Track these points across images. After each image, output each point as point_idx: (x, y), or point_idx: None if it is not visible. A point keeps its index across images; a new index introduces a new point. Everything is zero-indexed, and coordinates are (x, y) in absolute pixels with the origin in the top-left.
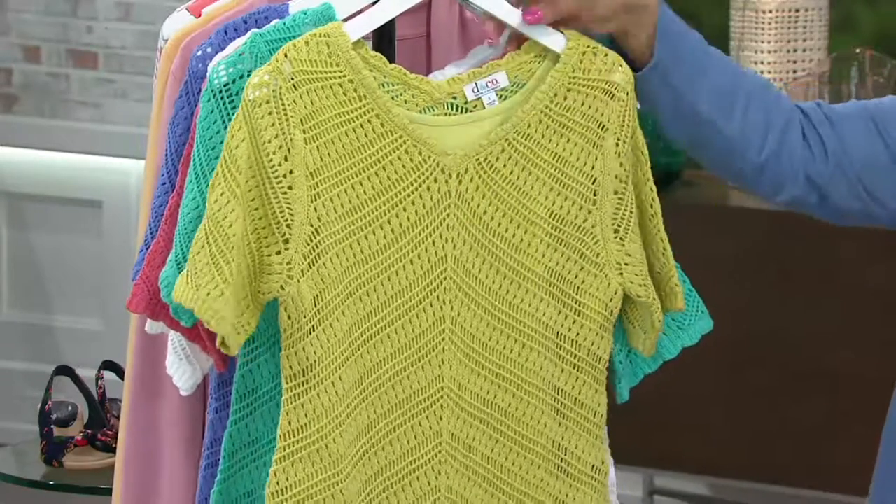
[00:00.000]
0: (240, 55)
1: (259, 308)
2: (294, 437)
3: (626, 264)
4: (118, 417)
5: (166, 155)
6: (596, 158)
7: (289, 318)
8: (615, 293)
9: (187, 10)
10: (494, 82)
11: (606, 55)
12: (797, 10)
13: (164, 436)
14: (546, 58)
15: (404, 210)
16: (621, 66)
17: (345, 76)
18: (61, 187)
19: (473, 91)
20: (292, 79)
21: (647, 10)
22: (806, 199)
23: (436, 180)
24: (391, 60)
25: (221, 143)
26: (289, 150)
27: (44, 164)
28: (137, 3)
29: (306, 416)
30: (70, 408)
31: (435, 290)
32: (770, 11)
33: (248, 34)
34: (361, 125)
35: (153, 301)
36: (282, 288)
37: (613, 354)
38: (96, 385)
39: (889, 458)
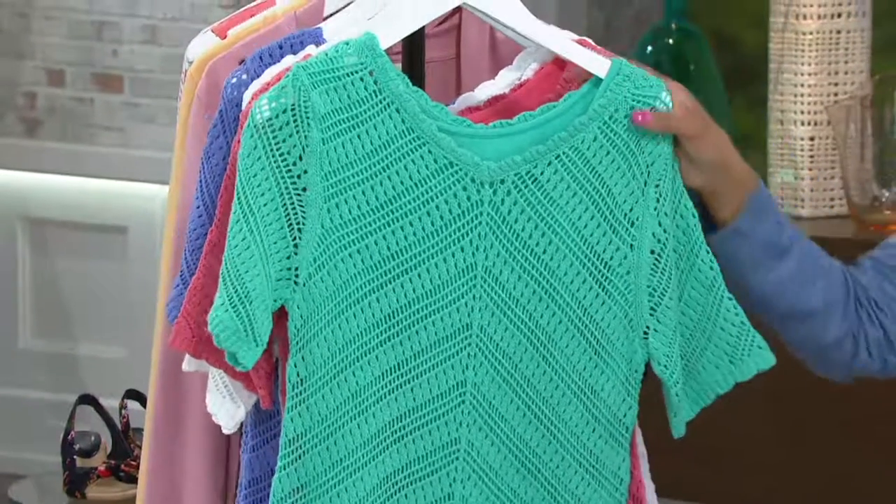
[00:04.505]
0: (282, 88)
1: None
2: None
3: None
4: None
5: (201, 185)
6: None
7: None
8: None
9: (212, 31)
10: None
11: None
12: (838, 32)
13: (186, 468)
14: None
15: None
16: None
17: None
18: (85, 213)
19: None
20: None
21: (744, 183)
22: (870, 367)
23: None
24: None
25: (266, 179)
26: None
27: (68, 189)
28: (163, 25)
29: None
30: (93, 438)
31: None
32: (810, 33)
33: (287, 63)
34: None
35: (195, 338)
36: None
37: (669, 387)
38: (120, 414)
39: None
